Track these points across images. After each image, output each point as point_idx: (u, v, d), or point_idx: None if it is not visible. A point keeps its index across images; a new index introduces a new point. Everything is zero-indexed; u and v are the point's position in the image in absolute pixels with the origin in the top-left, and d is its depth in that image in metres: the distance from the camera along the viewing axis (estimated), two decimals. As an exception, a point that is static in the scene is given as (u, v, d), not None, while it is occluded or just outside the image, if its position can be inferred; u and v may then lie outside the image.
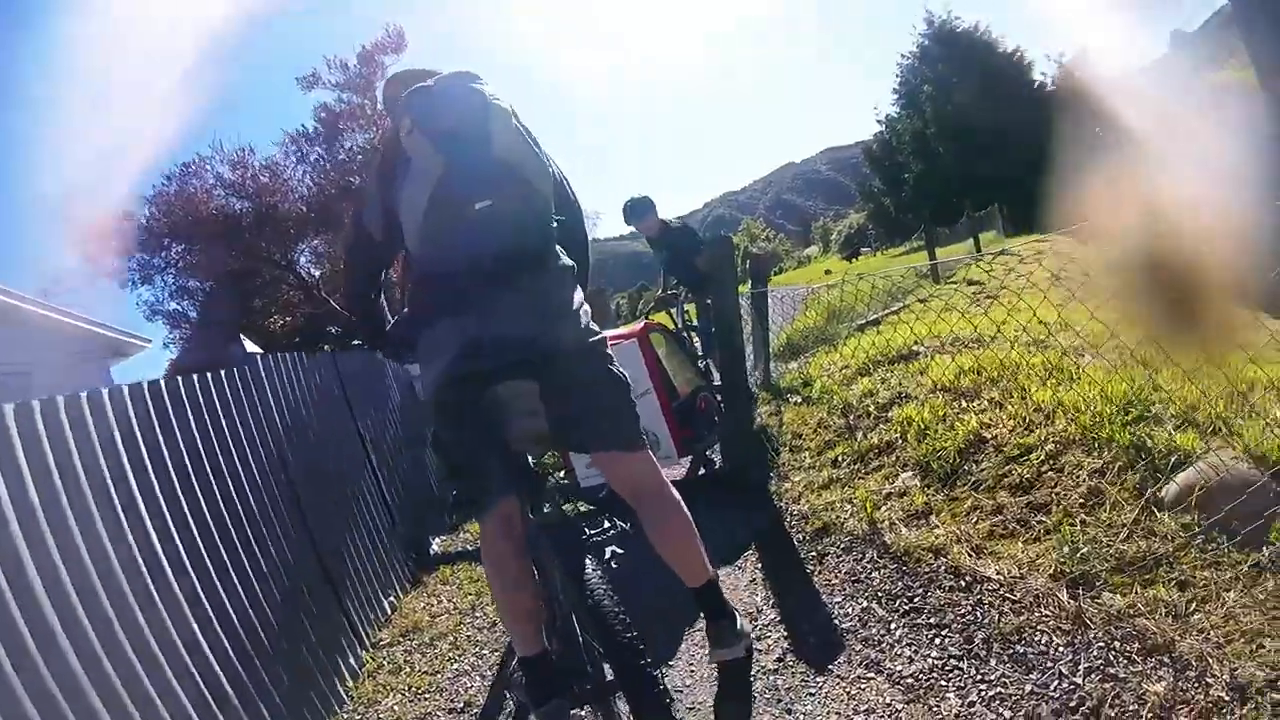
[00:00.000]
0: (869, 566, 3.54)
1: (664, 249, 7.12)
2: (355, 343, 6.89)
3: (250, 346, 4.37)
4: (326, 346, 20.85)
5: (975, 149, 36.33)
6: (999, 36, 40.38)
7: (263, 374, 4.33)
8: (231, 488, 3.68)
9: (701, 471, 5.95)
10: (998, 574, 3.03)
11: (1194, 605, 2.50)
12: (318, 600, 4.12)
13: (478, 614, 4.65)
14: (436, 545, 6.18)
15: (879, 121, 46.50)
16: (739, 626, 2.77)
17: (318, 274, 19.66)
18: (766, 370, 7.39)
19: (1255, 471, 2.84)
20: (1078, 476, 3.30)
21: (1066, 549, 2.92)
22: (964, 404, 4.36)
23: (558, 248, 2.70)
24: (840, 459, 4.65)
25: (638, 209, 6.81)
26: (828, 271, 28.68)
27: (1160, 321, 3.02)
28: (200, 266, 17.31)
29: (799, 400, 6.05)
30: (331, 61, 18.44)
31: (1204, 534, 2.74)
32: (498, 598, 2.80)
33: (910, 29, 42.95)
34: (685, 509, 2.67)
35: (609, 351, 2.68)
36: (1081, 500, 3.18)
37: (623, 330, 5.69)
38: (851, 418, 5.03)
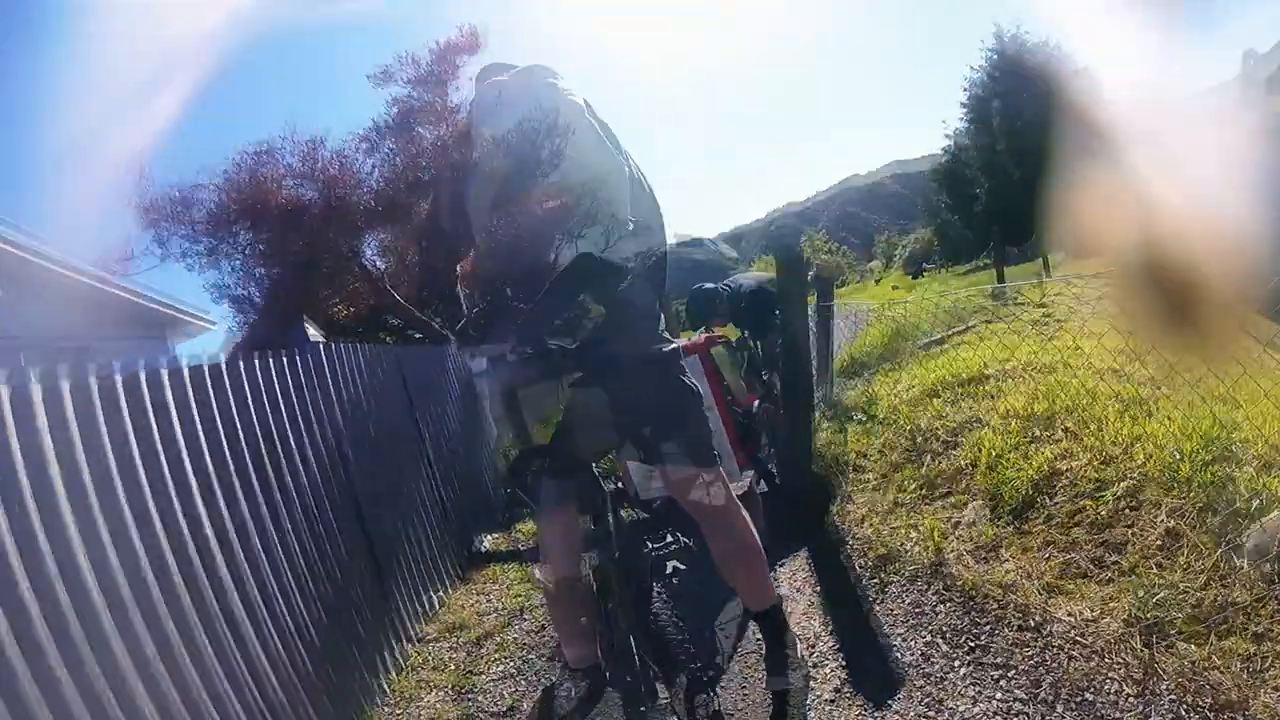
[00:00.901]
0: (934, 600, 3.45)
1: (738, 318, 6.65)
2: (416, 335, 6.98)
3: (313, 333, 4.39)
4: (387, 338, 20.95)
5: (1047, 168, 35.49)
6: (1070, 53, 39.59)
7: (324, 361, 4.34)
8: (287, 473, 3.68)
9: (762, 487, 5.86)
10: (1069, 616, 2.94)
11: (1271, 661, 2.42)
12: (367, 591, 4.12)
13: (525, 617, 4.61)
14: (487, 543, 6.18)
15: (947, 136, 45.91)
16: (798, 655, 2.79)
17: (383, 266, 19.80)
18: (829, 388, 7.31)
19: (1341, 521, 2.74)
20: (1155, 517, 3.20)
21: (1141, 594, 2.83)
22: (1037, 433, 4.25)
23: (634, 252, 2.64)
24: (906, 484, 4.55)
25: (707, 308, 6.33)
26: (895, 288, 28.29)
27: (1168, 329, 2.94)
28: (267, 252, 17.50)
29: (863, 420, 5.95)
30: (404, 58, 18.56)
31: (1285, 586, 2.64)
32: (550, 606, 2.96)
33: (979, 44, 42.28)
34: (753, 531, 2.69)
35: (683, 363, 2.71)
36: (1158, 543, 3.08)
37: (684, 342, 5.61)
38: (919, 441, 4.93)
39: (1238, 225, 2.46)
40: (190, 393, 3.13)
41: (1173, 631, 2.66)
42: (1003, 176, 38.23)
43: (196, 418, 3.14)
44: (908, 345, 8.96)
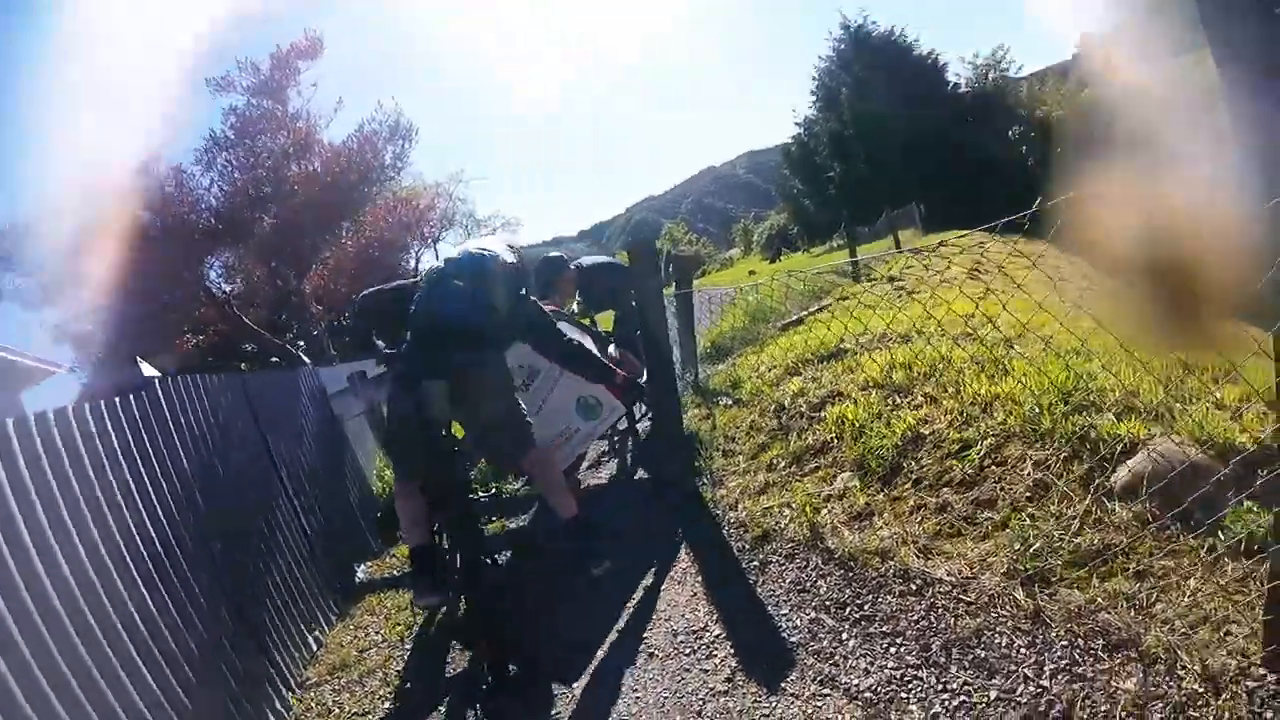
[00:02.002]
0: (814, 574, 3.36)
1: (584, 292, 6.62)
2: (273, 360, 6.63)
3: (147, 369, 4.05)
4: (243, 365, 20.09)
5: (893, 149, 36.77)
6: (914, 40, 40.97)
7: (160, 399, 3.92)
8: (132, 524, 3.29)
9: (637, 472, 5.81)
10: (949, 575, 2.90)
11: (1156, 596, 2.42)
12: (237, 644, 3.76)
13: (407, 644, 4.36)
14: (362, 572, 5.78)
15: (797, 124, 46.84)
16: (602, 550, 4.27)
17: (229, 289, 18.81)
18: (695, 372, 7.26)
19: (1204, 456, 2.77)
20: (1021, 470, 3.21)
21: (1018, 545, 2.82)
22: (899, 400, 4.27)
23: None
24: (775, 462, 4.50)
25: (554, 269, 6.06)
26: (752, 273, 28.62)
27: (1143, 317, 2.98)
28: (105, 284, 16.37)
29: (729, 403, 5.91)
30: (244, 64, 17.71)
31: (1158, 523, 2.65)
32: (400, 514, 4.35)
33: (826, 34, 43.37)
34: (560, 475, 4.52)
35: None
36: (1028, 494, 3.09)
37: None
38: (784, 418, 4.90)
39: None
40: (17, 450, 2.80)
41: (1054, 579, 2.66)
42: (852, 159, 39.35)
43: (28, 480, 2.80)
44: (768, 326, 9.05)
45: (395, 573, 5.62)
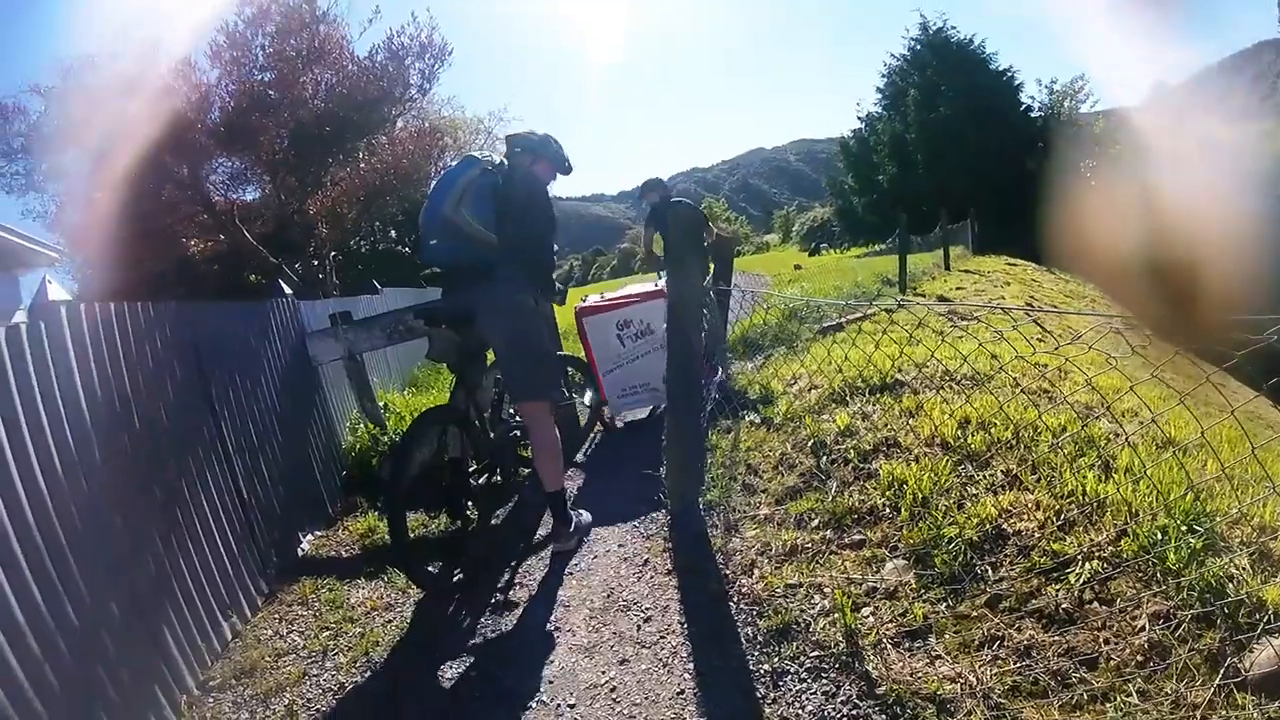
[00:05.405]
0: (845, 711, 2.52)
1: (657, 221, 8.26)
2: (288, 291, 5.82)
3: (55, 292, 3.17)
4: (254, 276, 18.97)
5: (954, 160, 35.67)
6: (993, 53, 39.74)
7: (53, 330, 3.06)
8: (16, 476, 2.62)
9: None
10: (1030, 762, 2.16)
11: None
12: (122, 634, 3.00)
13: (329, 660, 3.56)
14: (307, 544, 5.04)
15: (860, 118, 45.68)
16: (575, 525, 4.32)
17: (234, 199, 17.39)
18: (724, 373, 6.51)
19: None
20: (1134, 620, 2.46)
21: (1125, 739, 2.07)
22: (973, 472, 3.50)
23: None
24: (807, 518, 3.71)
25: (649, 185, 8.63)
26: (798, 267, 27.59)
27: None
28: (96, 174, 14.98)
29: (756, 420, 5.17)
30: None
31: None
32: None
33: (903, 31, 42.28)
34: (555, 441, 4.30)
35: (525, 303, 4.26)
36: (1140, 657, 2.33)
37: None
38: (824, 461, 4.13)
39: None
40: None
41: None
42: (910, 164, 38.44)
43: None
44: (804, 328, 8.43)
45: (344, 551, 4.87)
